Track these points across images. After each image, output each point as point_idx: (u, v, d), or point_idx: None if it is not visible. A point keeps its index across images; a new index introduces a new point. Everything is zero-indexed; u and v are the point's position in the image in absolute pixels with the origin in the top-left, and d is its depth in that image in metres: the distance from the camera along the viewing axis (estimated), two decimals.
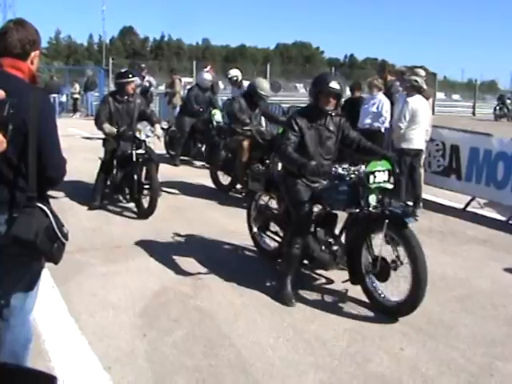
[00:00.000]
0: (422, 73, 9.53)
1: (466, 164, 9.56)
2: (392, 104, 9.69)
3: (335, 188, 5.36)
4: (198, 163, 12.95)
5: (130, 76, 8.75)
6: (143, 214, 8.20)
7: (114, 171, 8.75)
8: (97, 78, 26.34)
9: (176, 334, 4.65)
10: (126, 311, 5.05)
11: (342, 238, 5.66)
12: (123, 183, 8.64)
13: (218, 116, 12.28)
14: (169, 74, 19.45)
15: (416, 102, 8.82)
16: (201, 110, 12.49)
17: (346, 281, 5.46)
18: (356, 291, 5.50)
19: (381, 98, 9.86)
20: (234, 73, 13.17)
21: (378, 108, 9.77)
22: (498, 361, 4.46)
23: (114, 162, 8.74)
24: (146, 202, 8.23)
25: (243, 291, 5.61)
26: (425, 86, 9.20)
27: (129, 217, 8.26)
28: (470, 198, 9.57)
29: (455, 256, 7.06)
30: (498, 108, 34.48)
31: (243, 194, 9.60)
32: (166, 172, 11.69)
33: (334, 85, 5.48)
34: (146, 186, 8.30)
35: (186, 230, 7.51)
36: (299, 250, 5.52)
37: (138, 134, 8.27)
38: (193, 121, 12.71)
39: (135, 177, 8.28)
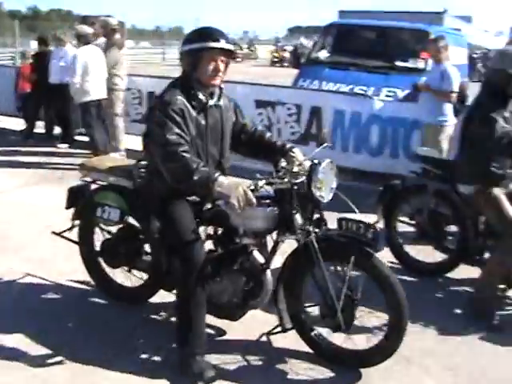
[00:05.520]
0: (114, 21, 9.32)
1: None
2: None
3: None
4: None
5: (224, 39, 3.64)
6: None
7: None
8: None
9: None
10: None
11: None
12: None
13: None
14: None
15: (85, 52, 8.66)
16: None
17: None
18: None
19: (67, 49, 9.62)
20: None
21: (66, 62, 9.41)
22: None
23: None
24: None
25: None
26: (118, 36, 9.16)
27: None
28: None
29: None
30: None
31: None
32: None
33: None
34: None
35: None
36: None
37: (316, 190, 3.59)
38: None
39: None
